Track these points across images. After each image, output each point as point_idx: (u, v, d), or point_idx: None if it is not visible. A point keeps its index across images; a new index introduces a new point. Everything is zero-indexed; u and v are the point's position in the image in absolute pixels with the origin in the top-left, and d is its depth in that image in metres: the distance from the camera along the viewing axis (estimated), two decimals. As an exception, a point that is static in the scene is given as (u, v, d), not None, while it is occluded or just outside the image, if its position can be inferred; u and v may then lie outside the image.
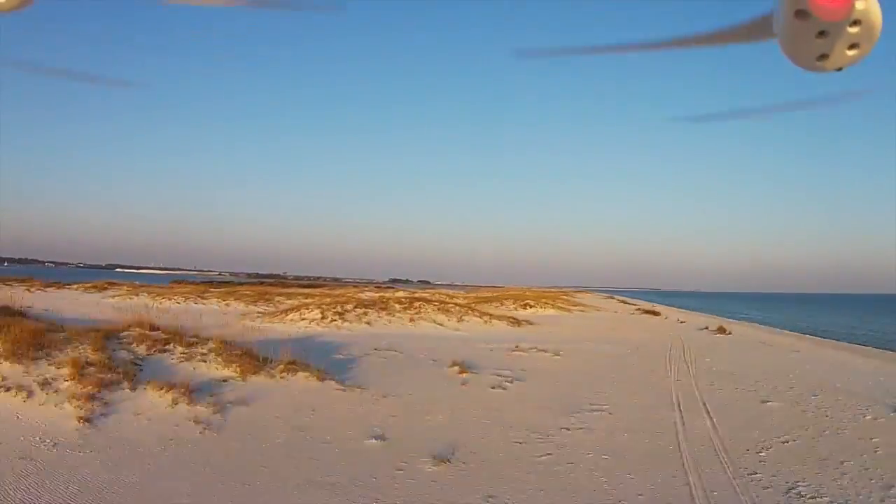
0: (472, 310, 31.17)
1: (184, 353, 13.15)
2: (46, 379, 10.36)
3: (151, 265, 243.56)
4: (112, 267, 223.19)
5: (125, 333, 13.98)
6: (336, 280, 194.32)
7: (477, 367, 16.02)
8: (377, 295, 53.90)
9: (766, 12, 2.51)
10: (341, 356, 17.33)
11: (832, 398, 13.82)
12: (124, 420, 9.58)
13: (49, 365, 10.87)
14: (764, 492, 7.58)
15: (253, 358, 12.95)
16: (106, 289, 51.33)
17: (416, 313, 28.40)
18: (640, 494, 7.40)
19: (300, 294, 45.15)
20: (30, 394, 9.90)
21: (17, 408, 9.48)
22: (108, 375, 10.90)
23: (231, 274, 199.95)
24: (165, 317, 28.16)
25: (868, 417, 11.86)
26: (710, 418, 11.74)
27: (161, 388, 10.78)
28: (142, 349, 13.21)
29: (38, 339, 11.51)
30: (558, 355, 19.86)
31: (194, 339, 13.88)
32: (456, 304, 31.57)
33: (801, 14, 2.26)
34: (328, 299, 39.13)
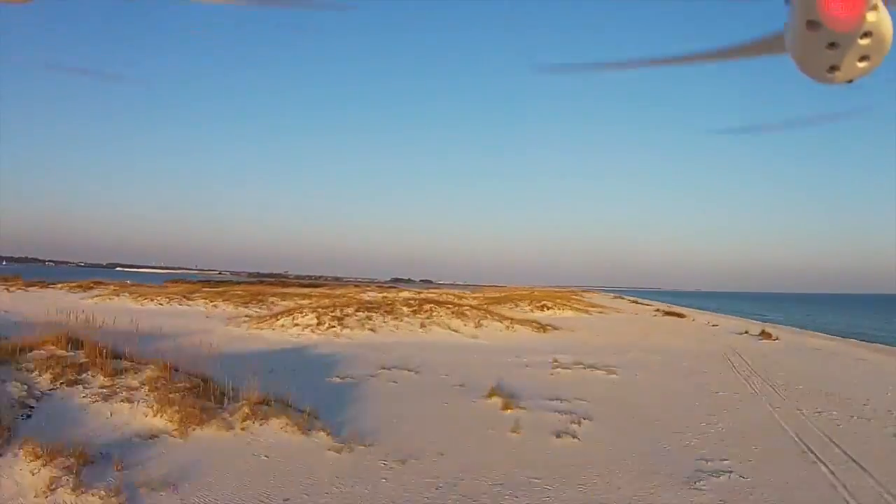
0: (489, 313, 26.69)
1: (104, 387, 8.72)
2: None
3: (152, 264, 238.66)
4: (113, 266, 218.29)
5: (35, 353, 9.60)
6: (337, 279, 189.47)
7: (520, 396, 11.61)
8: (380, 295, 49.33)
9: (779, 30, 2.44)
10: (338, 379, 12.89)
11: None
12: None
13: None
14: None
15: (205, 394, 8.50)
16: (91, 288, 47.05)
17: (428, 318, 23.94)
18: None
19: (297, 295, 40.59)
20: None
21: None
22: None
23: (232, 273, 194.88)
24: (124, 321, 23.75)
25: None
26: (869, 474, 7.92)
27: (38, 457, 6.38)
28: (45, 379, 8.79)
29: None
30: (613, 373, 15.45)
31: (127, 365, 9.42)
32: (471, 307, 27.12)
33: (813, 25, 2.20)
34: (327, 300, 34.67)
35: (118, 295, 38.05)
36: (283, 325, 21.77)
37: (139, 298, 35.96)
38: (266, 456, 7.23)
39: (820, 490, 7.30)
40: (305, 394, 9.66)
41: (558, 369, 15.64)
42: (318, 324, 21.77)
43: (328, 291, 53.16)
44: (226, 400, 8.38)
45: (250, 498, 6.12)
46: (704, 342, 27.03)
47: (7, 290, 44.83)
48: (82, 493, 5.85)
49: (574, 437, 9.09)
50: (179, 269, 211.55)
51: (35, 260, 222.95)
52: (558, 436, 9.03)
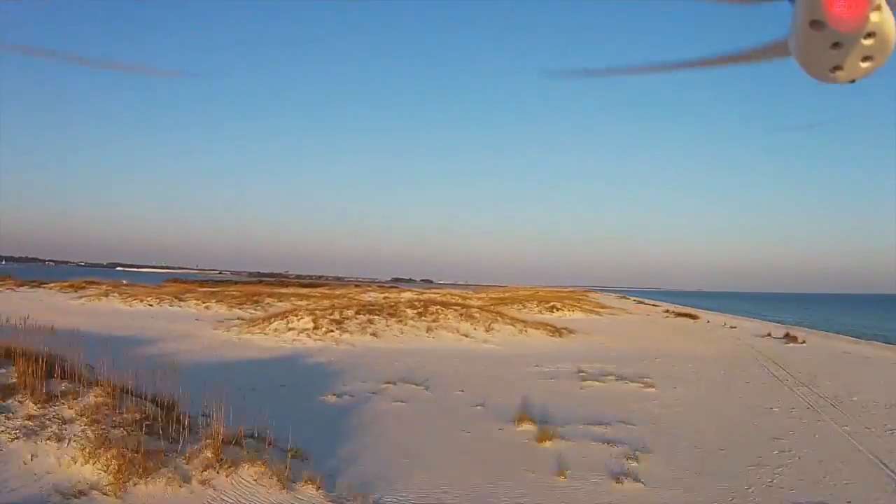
0: (500, 315, 24.57)
1: (31, 419, 6.64)
2: None
3: (153, 264, 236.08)
4: (113, 266, 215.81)
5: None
6: (338, 279, 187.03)
7: (554, 419, 9.54)
8: (382, 295, 47.21)
9: (782, 36, 2.43)
10: (334, 398, 10.79)
11: None
12: None
13: None
14: None
15: (159, 429, 6.40)
16: (84, 288, 45.07)
17: (434, 321, 21.84)
18: None
19: (295, 295, 38.43)
20: None
21: None
22: None
23: (232, 273, 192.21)
24: (99, 323, 21.66)
25: None
26: None
27: None
28: (-46, 408, 6.71)
29: None
30: (650, 387, 13.39)
31: (66, 387, 7.33)
32: (479, 309, 25.00)
33: (817, 25, 2.19)
34: (326, 301, 32.57)
35: (107, 296, 35.96)
36: (276, 330, 19.67)
37: (128, 299, 33.87)
38: (231, 524, 5.13)
39: None
40: (293, 420, 7.59)
41: (588, 382, 13.57)
42: (315, 328, 19.68)
43: (328, 292, 50.99)
44: (184, 436, 6.27)
45: None
46: (730, 347, 24.98)
47: (-6, 289, 42.97)
48: None
49: (636, 479, 7.01)
50: (180, 268, 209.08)
51: (35, 259, 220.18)
52: (617, 479, 6.94)
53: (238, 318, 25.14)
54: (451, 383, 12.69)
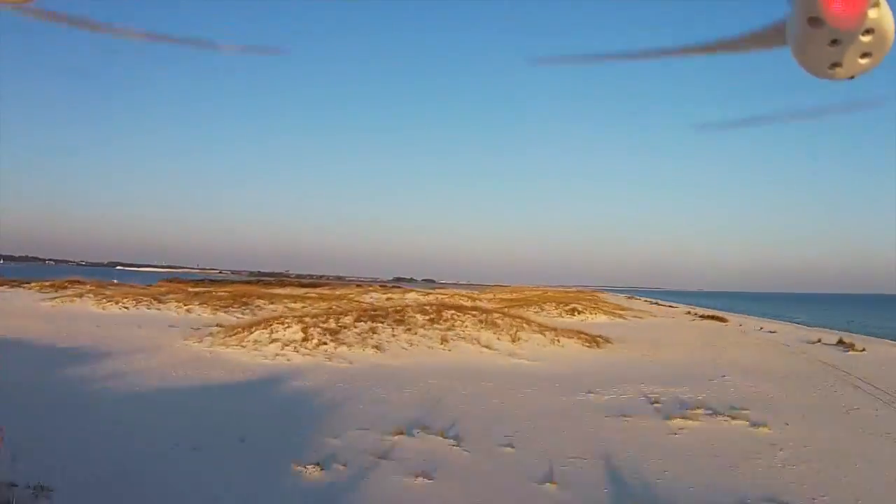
0: (526, 321, 20.51)
1: None
2: None
3: (153, 263, 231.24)
4: (113, 265, 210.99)
5: None
6: (339, 279, 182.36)
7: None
8: (385, 296, 43.11)
9: (779, 20, 2.28)
10: (314, 470, 6.75)
11: None
12: None
13: None
14: None
15: None
16: (65, 288, 41.16)
17: (449, 328, 17.82)
18: None
19: (290, 297, 34.33)
20: None
21: None
22: None
23: (232, 272, 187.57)
24: (51, 330, 17.71)
25: None
26: None
27: None
28: None
29: None
30: (759, 424, 9.45)
31: None
32: (501, 314, 20.94)
33: (815, 21, 2.07)
34: (322, 304, 28.55)
35: (82, 297, 31.94)
36: (256, 342, 15.64)
37: (103, 301, 29.84)
38: None
39: None
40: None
41: (675, 421, 9.58)
42: (305, 339, 15.66)
43: (327, 292, 46.82)
44: None
45: None
46: (789, 357, 21.05)
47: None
48: None
49: None
50: (182, 268, 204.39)
51: (36, 259, 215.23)
52: None
53: (218, 325, 21.11)
54: (488, 428, 8.70)
